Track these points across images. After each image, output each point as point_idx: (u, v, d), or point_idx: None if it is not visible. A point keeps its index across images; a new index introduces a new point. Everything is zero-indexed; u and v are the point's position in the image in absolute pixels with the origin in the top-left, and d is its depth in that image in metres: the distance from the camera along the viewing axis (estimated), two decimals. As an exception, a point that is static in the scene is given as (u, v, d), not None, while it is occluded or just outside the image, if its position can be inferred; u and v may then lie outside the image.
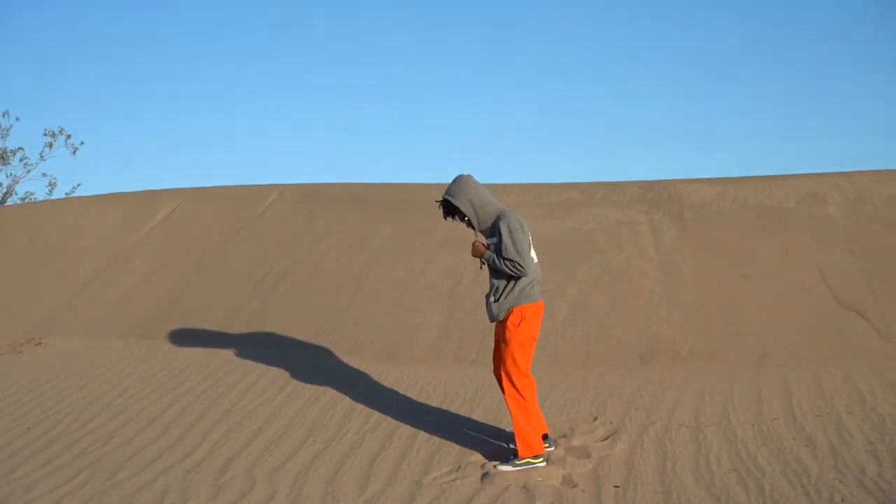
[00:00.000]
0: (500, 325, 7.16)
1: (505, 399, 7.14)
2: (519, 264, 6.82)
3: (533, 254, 7.08)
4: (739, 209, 12.57)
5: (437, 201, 7.23)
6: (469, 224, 7.10)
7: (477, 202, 6.98)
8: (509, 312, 7.02)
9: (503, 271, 6.91)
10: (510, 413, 7.10)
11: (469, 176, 7.13)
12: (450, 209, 7.12)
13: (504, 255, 6.83)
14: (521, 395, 6.99)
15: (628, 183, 14.19)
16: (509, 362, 7.00)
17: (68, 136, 33.50)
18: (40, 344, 12.59)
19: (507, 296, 7.01)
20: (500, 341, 7.18)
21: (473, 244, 7.12)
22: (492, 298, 7.07)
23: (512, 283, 7.00)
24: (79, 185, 33.64)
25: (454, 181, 7.12)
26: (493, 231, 6.98)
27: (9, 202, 33.01)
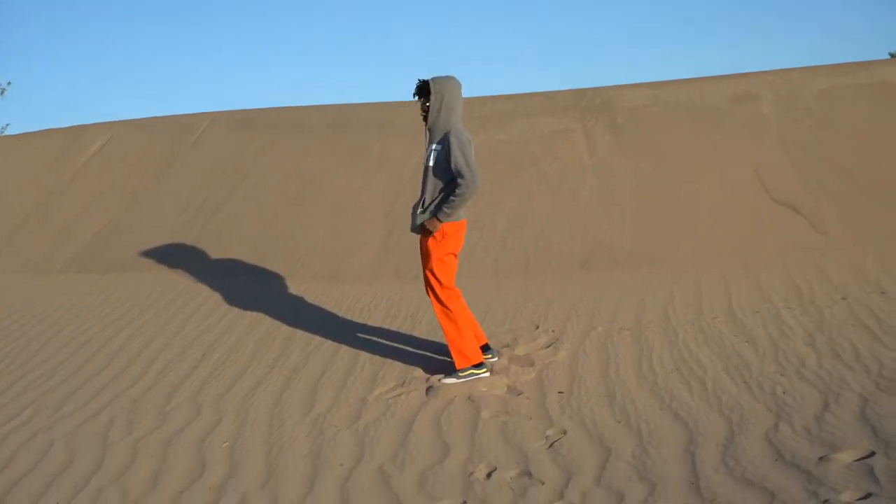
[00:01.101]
0: (423, 239, 7.15)
1: (435, 314, 7.19)
2: (468, 175, 6.79)
3: None
4: (672, 112, 12.58)
5: (419, 79, 7.19)
6: (425, 117, 7.07)
7: (446, 101, 6.95)
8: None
9: (461, 201, 6.85)
10: (441, 327, 7.14)
11: (458, 81, 7.11)
12: (422, 92, 7.10)
13: (454, 165, 6.79)
14: (448, 307, 7.01)
15: (560, 92, 14.14)
16: (430, 277, 7.03)
17: (-5, 78, 32.90)
18: (-24, 284, 12.44)
19: (432, 210, 7.00)
20: (423, 256, 7.19)
21: (428, 229, 7.05)
22: (419, 210, 7.05)
23: (440, 198, 6.97)
24: (7, 125, 33.08)
25: (446, 75, 7.11)
26: (441, 140, 6.94)
27: (-64, 144, 32.44)
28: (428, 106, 6.99)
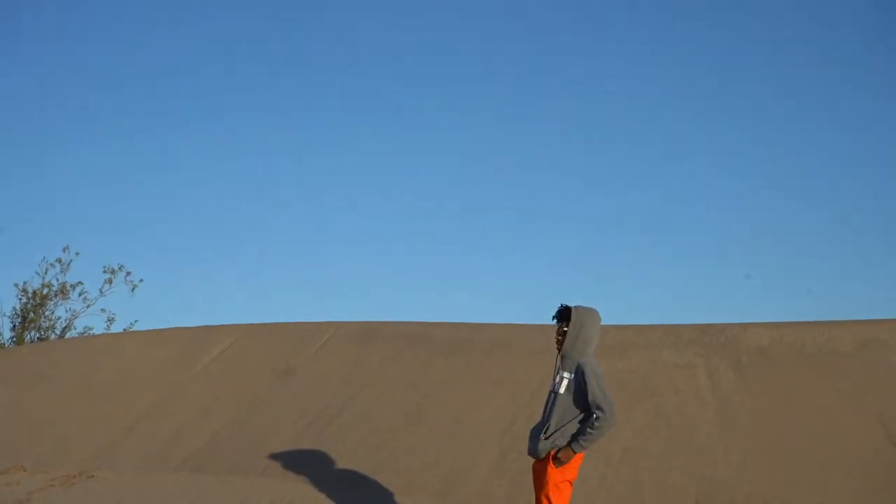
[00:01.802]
0: (539, 464, 7.13)
1: None
2: (608, 409, 6.84)
3: None
4: (797, 354, 12.44)
5: (562, 304, 7.29)
6: (560, 342, 7.15)
7: (584, 332, 7.08)
8: (550, 452, 7.00)
9: (599, 435, 6.91)
10: None
11: (599, 315, 7.29)
12: (562, 317, 7.19)
13: (591, 398, 6.85)
14: None
15: (684, 326, 14.13)
16: (545, 502, 6.97)
17: (128, 273, 33.97)
18: (93, 477, 12.60)
19: (555, 438, 6.99)
20: (537, 481, 7.15)
21: (560, 459, 7.07)
22: (543, 436, 7.04)
23: (568, 426, 6.99)
24: (136, 321, 33.78)
25: (589, 306, 7.29)
26: (574, 370, 7.01)
27: (67, 336, 33.32)
28: (565, 331, 7.07)
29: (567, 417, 6.98)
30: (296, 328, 17.53)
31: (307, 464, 11.87)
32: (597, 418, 6.83)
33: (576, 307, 7.18)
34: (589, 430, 6.85)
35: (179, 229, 58.51)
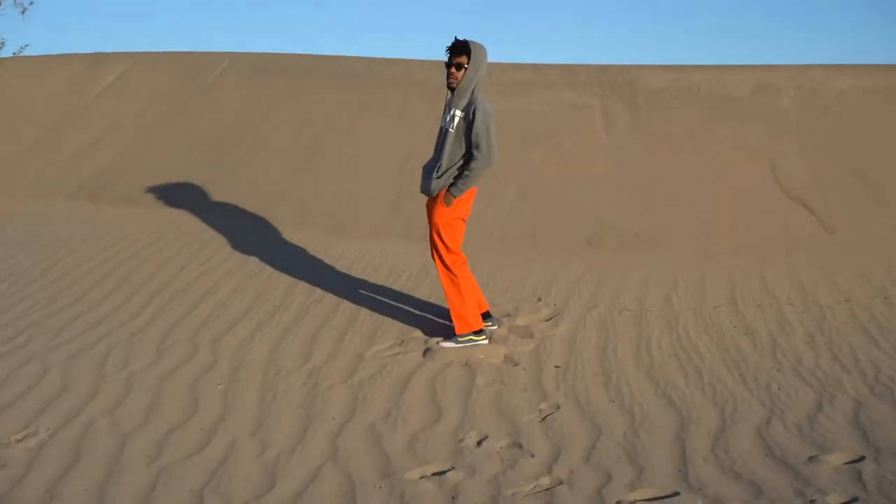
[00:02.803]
0: (432, 202, 7.08)
1: (439, 277, 7.17)
2: (485, 150, 6.72)
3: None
4: (693, 97, 12.54)
5: (456, 38, 6.97)
6: (450, 77, 6.84)
7: (481, 70, 6.78)
8: (442, 191, 6.93)
9: (475, 177, 6.79)
10: (444, 291, 7.11)
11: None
12: (460, 52, 6.81)
13: (474, 137, 6.68)
14: (452, 272, 6.95)
15: (582, 66, 14.09)
16: (437, 240, 6.96)
17: (17, -5, 32.60)
18: (-18, 203, 12.42)
19: (447, 175, 6.90)
20: (430, 218, 7.13)
21: (445, 200, 6.94)
22: (435, 174, 6.94)
23: (459, 164, 6.90)
24: (27, 45, 32.60)
25: (478, 42, 6.87)
26: (466, 108, 6.80)
27: (-47, 59, 32.19)
28: (464, 68, 6.77)
29: (458, 155, 6.86)
30: (190, 58, 17.13)
31: (202, 196, 11.81)
32: (474, 159, 6.71)
33: (472, 43, 6.88)
34: (466, 172, 6.73)
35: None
